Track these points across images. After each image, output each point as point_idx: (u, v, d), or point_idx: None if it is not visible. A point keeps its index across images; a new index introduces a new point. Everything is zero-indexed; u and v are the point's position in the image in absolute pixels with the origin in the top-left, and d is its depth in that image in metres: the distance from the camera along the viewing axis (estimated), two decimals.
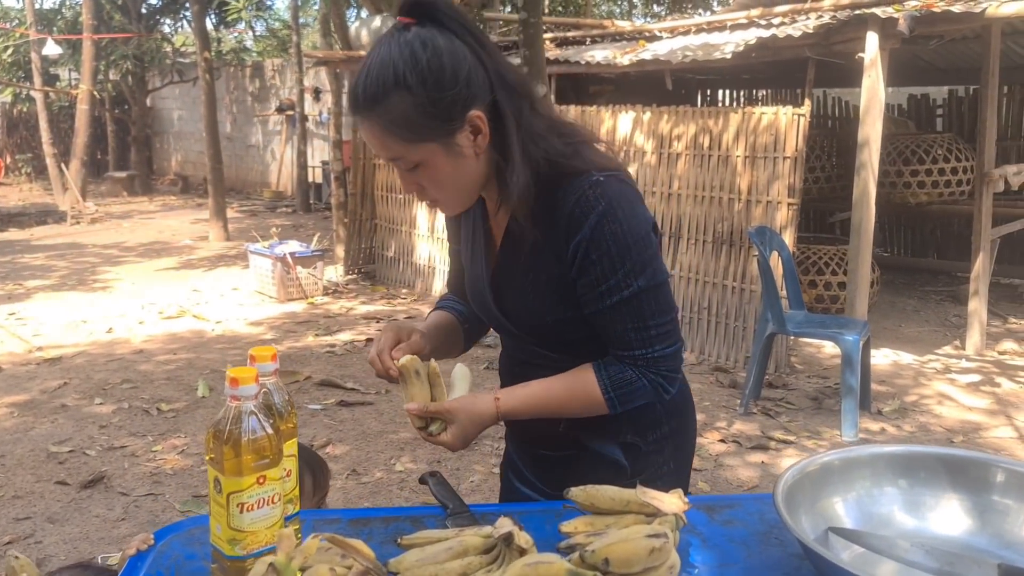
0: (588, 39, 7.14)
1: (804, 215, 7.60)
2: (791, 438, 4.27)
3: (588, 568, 0.99)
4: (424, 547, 1.08)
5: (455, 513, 1.30)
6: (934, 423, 4.51)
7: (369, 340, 5.95)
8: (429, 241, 7.47)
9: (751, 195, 5.37)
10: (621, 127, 6.07)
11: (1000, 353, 5.69)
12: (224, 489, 0.99)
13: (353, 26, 8.58)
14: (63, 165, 13.04)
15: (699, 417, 3.27)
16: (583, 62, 6.13)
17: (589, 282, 1.30)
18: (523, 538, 1.02)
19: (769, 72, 8.11)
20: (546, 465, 1.53)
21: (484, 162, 1.29)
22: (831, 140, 7.45)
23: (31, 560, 1.30)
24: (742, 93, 9.42)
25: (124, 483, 3.71)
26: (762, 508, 1.36)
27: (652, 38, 6.42)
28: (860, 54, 4.71)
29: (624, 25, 7.88)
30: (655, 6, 18.95)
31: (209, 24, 14.11)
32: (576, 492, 1.17)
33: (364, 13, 10.68)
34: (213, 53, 12.54)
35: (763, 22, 5.61)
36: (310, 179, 13.46)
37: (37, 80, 14.19)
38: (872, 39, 4.65)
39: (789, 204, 5.19)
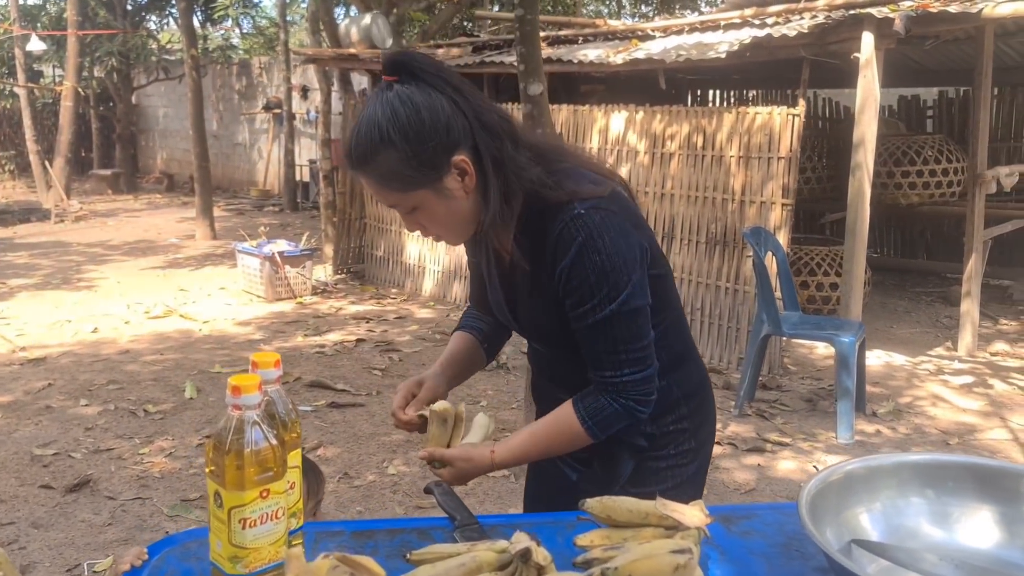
0: (580, 38, 7.09)
1: (795, 216, 7.58)
2: (786, 440, 4.24)
3: None
4: (435, 563, 1.03)
5: (463, 525, 1.25)
6: (929, 425, 4.49)
7: (360, 340, 5.89)
8: (418, 241, 7.41)
9: (745, 195, 5.34)
10: (613, 126, 6.03)
11: (992, 354, 5.69)
12: (225, 503, 0.93)
13: (343, 23, 8.49)
14: (47, 162, 12.88)
15: None
16: (576, 61, 6.08)
17: (571, 304, 1.40)
18: (541, 554, 0.97)
19: (760, 72, 8.09)
20: None
21: (475, 198, 1.39)
22: (822, 141, 7.44)
23: (9, 559, 1.25)
24: (732, 93, 9.40)
25: (110, 487, 3.63)
26: (780, 518, 1.31)
27: (645, 37, 6.38)
28: (856, 54, 4.68)
29: (616, 24, 7.84)
30: (643, 6, 18.95)
31: (195, 21, 13.96)
32: (592, 504, 1.12)
33: (353, 11, 10.61)
34: (199, 50, 12.42)
35: (757, 22, 5.58)
36: (297, 178, 13.36)
37: (21, 77, 14.02)
38: (868, 39, 4.63)
39: (783, 204, 5.16)
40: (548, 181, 1.38)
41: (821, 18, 4.94)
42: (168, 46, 17.17)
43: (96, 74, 15.91)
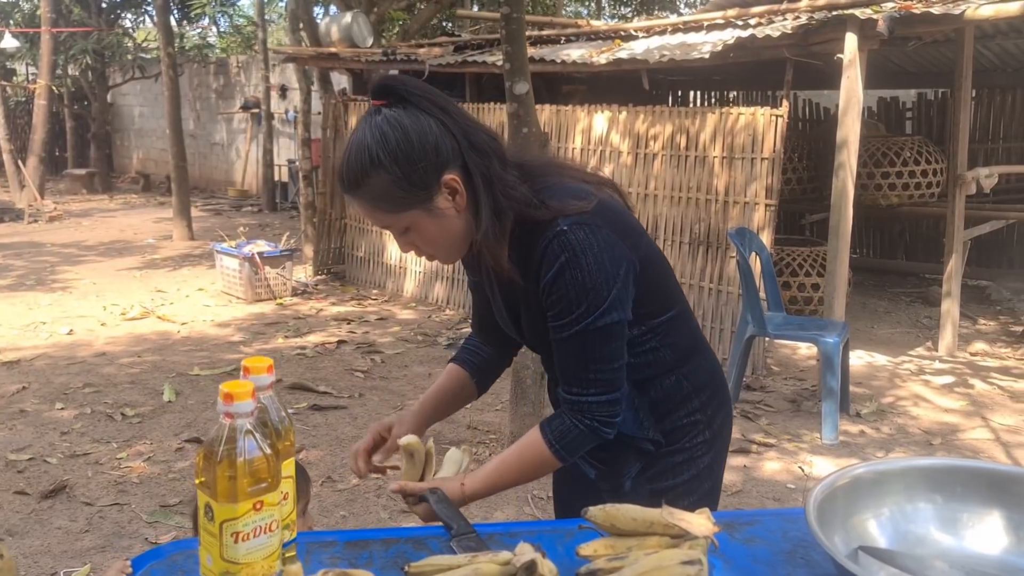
0: (563, 38, 7.07)
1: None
2: (771, 441, 4.24)
3: None
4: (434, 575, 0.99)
5: (460, 534, 1.21)
6: (912, 425, 4.50)
7: (341, 342, 5.82)
8: None
9: (728, 196, 5.34)
10: (596, 126, 6.01)
11: (972, 354, 5.72)
12: (216, 517, 0.89)
13: (322, 22, 8.43)
14: (20, 162, 12.67)
15: None
16: (559, 61, 6.05)
17: (551, 317, 1.43)
18: (547, 567, 0.94)
19: (741, 74, 8.10)
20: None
21: (467, 217, 1.41)
22: (802, 142, 7.46)
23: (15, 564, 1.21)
24: (713, 95, 9.42)
25: (87, 492, 3.56)
26: (784, 525, 1.29)
27: (628, 37, 6.37)
28: (839, 55, 4.69)
29: (599, 24, 7.83)
30: (623, 7, 18.98)
31: (172, 19, 13.79)
32: (595, 512, 1.09)
33: (333, 9, 10.53)
34: (176, 49, 12.27)
35: (740, 22, 5.58)
36: (276, 178, 13.25)
37: None
38: (851, 40, 4.63)
39: (767, 205, 5.16)
40: (534, 200, 1.40)
41: (804, 19, 4.94)
42: (144, 44, 16.96)
43: (70, 72, 15.69)
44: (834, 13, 4.80)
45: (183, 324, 6.30)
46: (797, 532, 1.25)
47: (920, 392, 5.00)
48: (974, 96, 7.52)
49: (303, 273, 7.90)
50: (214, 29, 18.35)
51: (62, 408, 4.52)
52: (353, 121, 7.77)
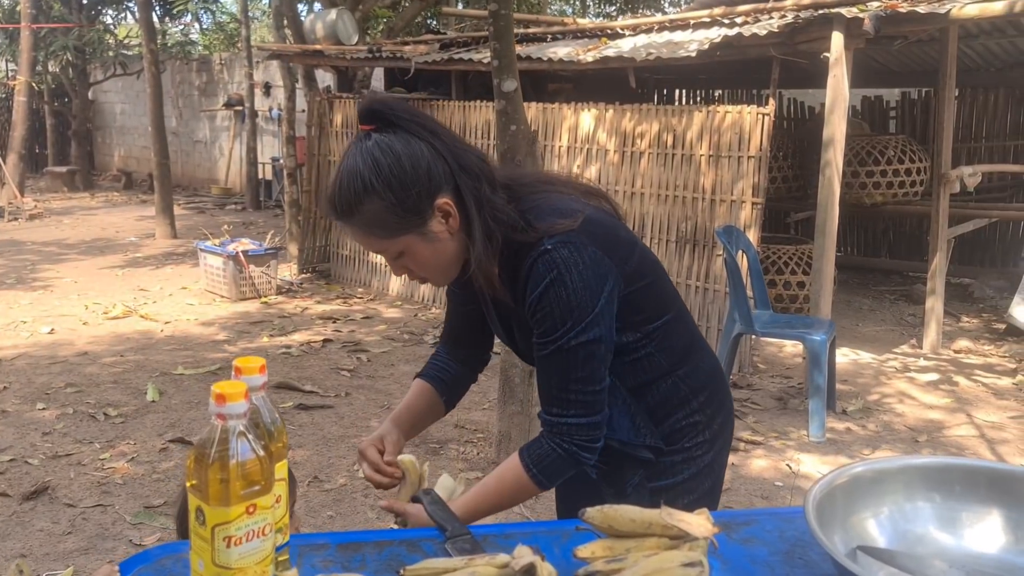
0: (549, 36, 7.05)
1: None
2: (759, 439, 4.24)
3: None
4: None
5: (454, 536, 1.19)
6: (897, 422, 4.52)
7: (327, 341, 5.79)
8: None
9: (715, 194, 5.34)
10: (583, 124, 6.00)
11: (956, 351, 5.76)
12: (208, 521, 0.87)
13: (307, 19, 8.37)
14: (0, 159, 12.53)
15: None
16: (546, 59, 6.04)
17: (536, 335, 1.43)
18: (546, 570, 0.92)
19: (726, 72, 8.12)
20: None
21: (460, 239, 1.42)
22: (787, 141, 7.48)
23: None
24: (699, 93, 9.44)
25: (70, 494, 3.51)
26: (781, 524, 1.28)
27: (614, 36, 6.36)
28: (825, 54, 4.70)
29: (585, 22, 7.82)
30: (607, 6, 18.99)
31: (154, 16, 13.66)
32: (592, 513, 1.07)
33: (317, 6, 10.46)
34: (158, 45, 12.16)
35: (726, 21, 5.58)
36: (260, 176, 13.16)
37: None
38: (837, 39, 4.64)
39: (753, 203, 5.17)
40: (520, 223, 1.41)
41: (790, 17, 4.95)
42: (126, 41, 16.81)
43: (51, 69, 15.52)
44: (820, 12, 4.81)
45: (166, 323, 6.24)
46: (794, 532, 1.24)
47: (905, 389, 5.03)
48: (957, 95, 7.56)
49: (288, 271, 7.85)
50: (197, 26, 18.20)
51: (44, 408, 4.46)
52: (338, 119, 7.73)
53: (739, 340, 4.68)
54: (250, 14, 15.59)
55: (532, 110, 6.20)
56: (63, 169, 15.43)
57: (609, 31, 6.56)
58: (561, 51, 6.08)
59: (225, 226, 8.43)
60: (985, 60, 7.28)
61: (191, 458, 0.88)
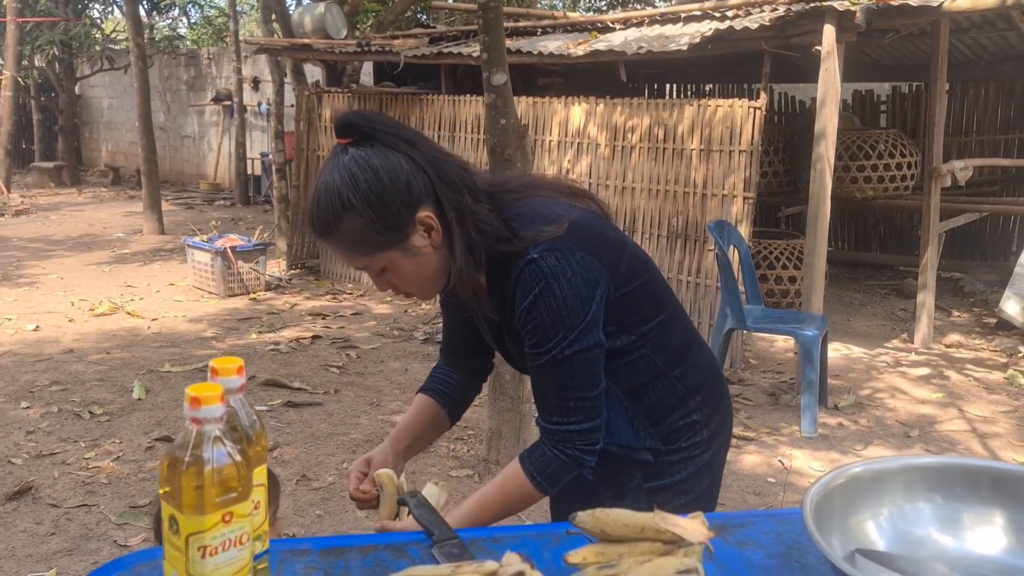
0: (539, 30, 7.01)
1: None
2: (751, 434, 4.22)
3: None
4: None
5: (442, 540, 1.16)
6: (889, 417, 4.51)
7: (316, 337, 5.74)
8: None
9: (706, 188, 5.31)
10: (573, 118, 5.96)
11: (947, 346, 5.75)
12: (182, 530, 0.83)
13: (295, 13, 8.30)
14: None
15: None
16: (536, 52, 6.00)
17: (528, 346, 1.40)
18: None
19: (717, 66, 8.10)
20: None
21: (444, 252, 1.38)
22: (778, 135, 7.46)
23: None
24: (690, 87, 9.41)
25: (54, 494, 3.46)
26: (777, 526, 1.24)
27: (605, 29, 6.32)
28: (817, 47, 4.67)
29: (576, 16, 7.78)
30: (598, 0, 18.93)
31: (141, 10, 13.54)
32: (584, 517, 1.04)
33: (306, 0, 10.38)
34: (145, 40, 12.05)
35: (717, 14, 5.55)
36: (249, 171, 13.07)
37: None
38: (829, 32, 4.62)
39: (745, 198, 5.15)
40: (504, 233, 1.37)
41: (782, 11, 4.92)
42: (113, 35, 16.67)
43: (37, 63, 15.38)
44: (812, 5, 4.78)
45: (153, 320, 6.18)
46: (791, 534, 1.21)
47: (897, 384, 5.02)
48: (948, 89, 7.56)
49: (277, 267, 7.80)
50: (185, 20, 18.08)
51: (28, 407, 4.40)
52: (327, 113, 7.67)
53: (731, 335, 4.65)
54: (238, 8, 15.47)
55: (522, 104, 6.16)
56: (50, 165, 15.30)
57: (600, 25, 6.53)
58: (551, 45, 6.04)
59: (213, 222, 8.36)
60: (976, 54, 7.27)
61: (164, 464, 0.84)
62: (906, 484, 1.14)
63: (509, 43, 6.21)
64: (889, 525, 1.13)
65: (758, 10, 5.28)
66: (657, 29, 5.83)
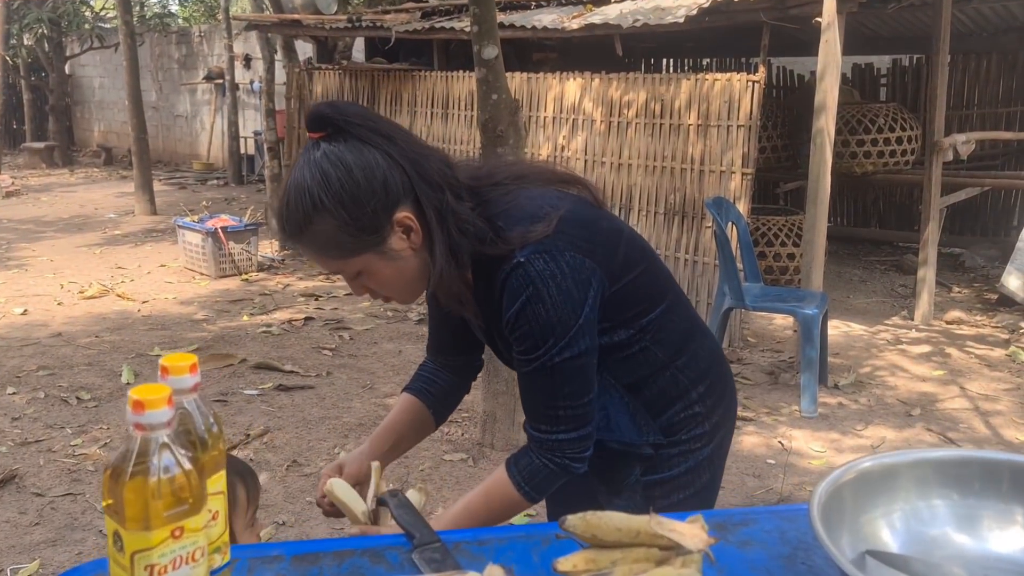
0: (533, 3, 6.88)
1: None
2: (750, 415, 4.15)
3: None
4: None
5: (422, 544, 1.08)
6: (890, 395, 4.44)
7: (309, 319, 5.66)
8: None
9: (704, 165, 5.21)
10: (569, 94, 5.85)
11: (948, 322, 5.68)
12: (127, 547, 0.75)
13: None
14: None
15: None
16: (530, 26, 5.87)
17: (517, 352, 1.32)
18: None
19: (715, 40, 7.95)
20: None
21: (424, 254, 1.30)
22: (777, 110, 7.35)
23: None
24: (687, 62, 9.27)
25: (39, 482, 3.38)
26: (782, 525, 1.17)
27: (600, 2, 6.20)
28: (817, 18, 4.56)
29: None
30: None
31: None
32: (574, 521, 0.96)
33: None
34: (135, 18, 11.88)
35: None
36: (242, 150, 12.93)
37: None
38: (829, 3, 4.50)
39: (743, 173, 5.05)
40: (488, 234, 1.28)
41: None
42: (102, 13, 16.45)
43: (26, 42, 15.18)
44: None
45: (144, 302, 6.09)
46: (796, 533, 1.14)
47: (897, 362, 4.95)
48: (949, 61, 7.44)
49: (269, 247, 7.70)
50: None
51: (14, 393, 4.32)
52: (318, 90, 7.55)
53: (729, 314, 4.58)
54: None
55: (516, 80, 6.04)
56: (41, 145, 15.15)
57: None
58: (546, 19, 5.92)
59: (204, 202, 8.26)
60: (978, 25, 7.14)
61: (106, 475, 0.76)
62: (920, 480, 1.07)
63: (502, 17, 6.08)
64: (902, 524, 1.05)
65: None
66: (654, 2, 5.70)
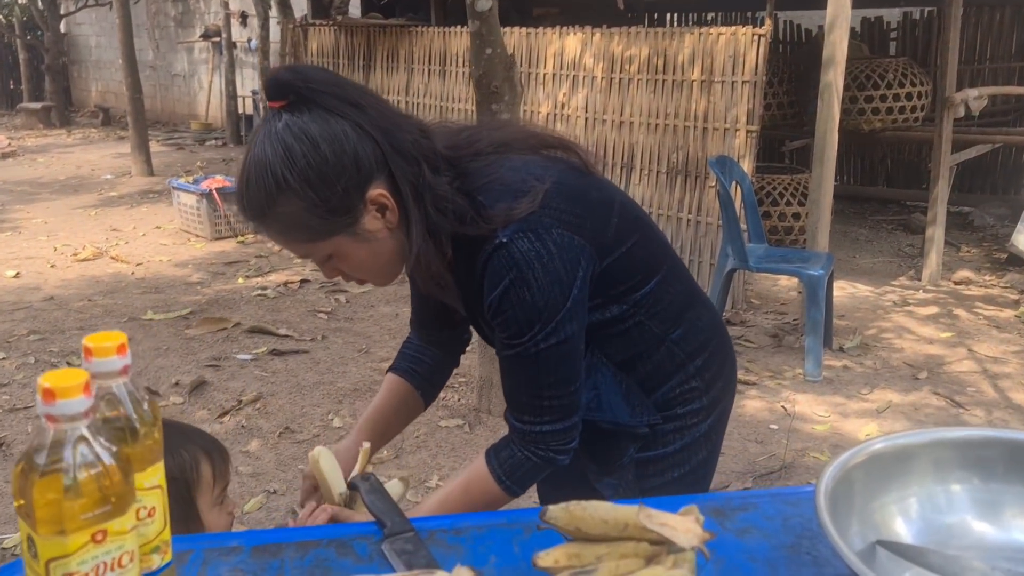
0: None
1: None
2: (752, 378, 4.07)
3: None
4: None
5: (394, 534, 0.99)
6: (896, 358, 4.36)
7: (305, 281, 5.57)
8: None
9: (707, 122, 5.07)
10: (569, 49, 5.69)
11: (956, 283, 5.57)
12: (41, 554, 0.66)
13: None
14: None
15: None
16: None
17: (500, 338, 1.23)
18: None
19: None
20: None
21: (402, 234, 1.19)
22: (783, 66, 7.16)
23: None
24: (691, 17, 9.05)
25: None
26: (785, 510, 1.08)
27: None
28: None
29: None
30: None
31: None
32: (556, 512, 0.87)
33: None
34: None
35: None
36: (240, 110, 12.74)
37: None
38: None
39: (748, 131, 4.91)
40: (468, 212, 1.17)
41: None
42: None
43: (19, 0, 14.92)
44: None
45: (138, 265, 6.00)
46: (800, 519, 1.05)
47: (904, 323, 4.85)
48: (961, 14, 7.23)
49: None
50: None
51: (3, 358, 4.25)
52: (314, 47, 7.38)
53: (732, 276, 4.47)
54: None
55: (515, 35, 5.88)
56: (38, 105, 14.96)
57: None
58: None
59: (199, 163, 8.13)
60: None
61: (16, 471, 0.67)
62: (937, 462, 0.98)
63: None
64: (917, 512, 0.97)
65: None
66: None
